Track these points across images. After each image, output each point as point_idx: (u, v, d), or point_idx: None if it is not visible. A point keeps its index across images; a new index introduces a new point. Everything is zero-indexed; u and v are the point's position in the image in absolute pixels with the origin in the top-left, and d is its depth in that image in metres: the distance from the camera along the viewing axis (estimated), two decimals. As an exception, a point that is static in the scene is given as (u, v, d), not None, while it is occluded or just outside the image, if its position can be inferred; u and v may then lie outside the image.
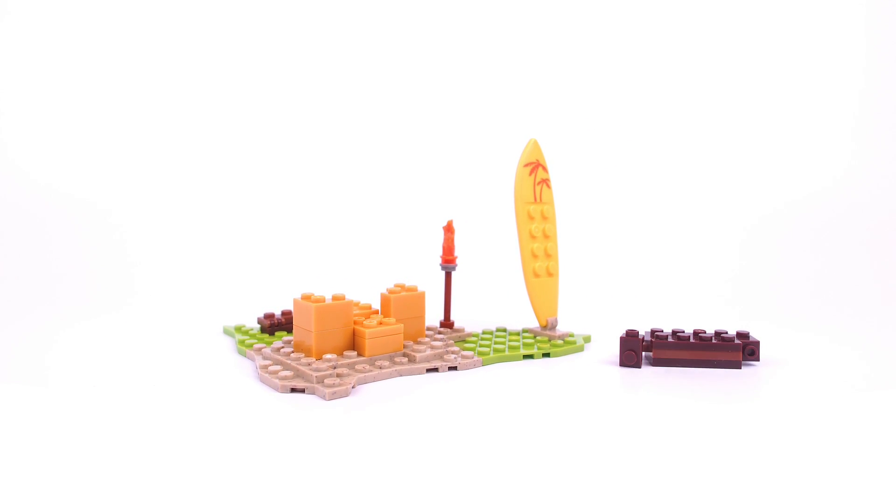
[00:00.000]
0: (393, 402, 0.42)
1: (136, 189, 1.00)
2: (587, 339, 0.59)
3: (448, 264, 0.59)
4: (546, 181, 0.59)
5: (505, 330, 0.61)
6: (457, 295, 0.74)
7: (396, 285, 0.55)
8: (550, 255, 0.59)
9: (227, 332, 0.61)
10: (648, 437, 0.37)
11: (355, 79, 1.09)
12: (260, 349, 0.52)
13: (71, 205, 0.96)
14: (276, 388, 0.44)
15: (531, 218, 0.58)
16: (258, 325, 0.61)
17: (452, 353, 0.52)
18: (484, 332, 0.60)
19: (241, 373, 0.49)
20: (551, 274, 0.59)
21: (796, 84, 1.07)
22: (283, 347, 0.51)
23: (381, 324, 0.50)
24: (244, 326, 0.60)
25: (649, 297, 0.81)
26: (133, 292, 0.79)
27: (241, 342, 0.55)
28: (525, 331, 0.61)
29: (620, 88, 1.09)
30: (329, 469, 0.32)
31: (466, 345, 0.56)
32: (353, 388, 0.45)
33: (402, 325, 0.51)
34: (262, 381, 0.46)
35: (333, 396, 0.42)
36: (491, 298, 0.77)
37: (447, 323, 0.60)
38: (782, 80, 1.07)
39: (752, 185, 1.05)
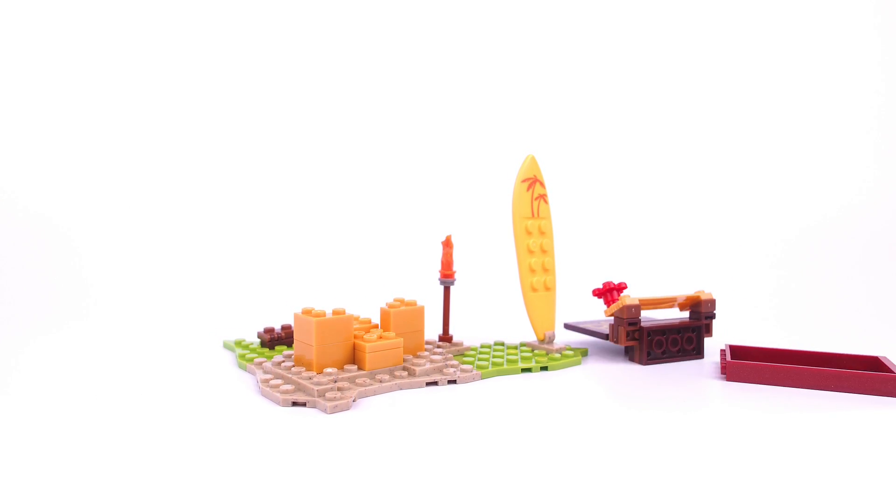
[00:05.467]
0: (393, 415, 0.43)
1: (137, 201, 1.00)
2: (584, 353, 0.60)
3: (447, 279, 0.60)
4: (543, 196, 0.60)
5: (503, 344, 0.61)
6: (455, 309, 0.75)
7: (396, 300, 0.55)
8: (548, 270, 0.60)
9: (227, 346, 0.61)
10: (647, 449, 0.37)
11: (355, 93, 1.10)
12: (260, 363, 0.52)
13: (70, 214, 0.96)
14: (277, 402, 0.45)
15: (529, 233, 0.59)
16: (258, 340, 0.61)
17: (451, 366, 0.52)
18: (482, 346, 0.60)
19: (242, 387, 0.49)
20: (549, 288, 0.60)
21: (813, 95, 1.08)
22: (283, 361, 0.51)
23: (381, 338, 0.51)
24: (244, 341, 0.61)
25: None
26: (133, 306, 0.79)
27: (242, 356, 0.55)
28: (523, 344, 0.61)
29: (619, 104, 1.11)
30: (331, 482, 0.32)
31: (465, 358, 0.56)
32: (353, 401, 0.45)
33: (402, 339, 0.52)
34: (264, 394, 0.47)
35: (335, 410, 0.43)
36: (489, 313, 0.78)
37: (446, 337, 0.60)
38: (797, 91, 1.08)
39: (748, 195, 1.06)
